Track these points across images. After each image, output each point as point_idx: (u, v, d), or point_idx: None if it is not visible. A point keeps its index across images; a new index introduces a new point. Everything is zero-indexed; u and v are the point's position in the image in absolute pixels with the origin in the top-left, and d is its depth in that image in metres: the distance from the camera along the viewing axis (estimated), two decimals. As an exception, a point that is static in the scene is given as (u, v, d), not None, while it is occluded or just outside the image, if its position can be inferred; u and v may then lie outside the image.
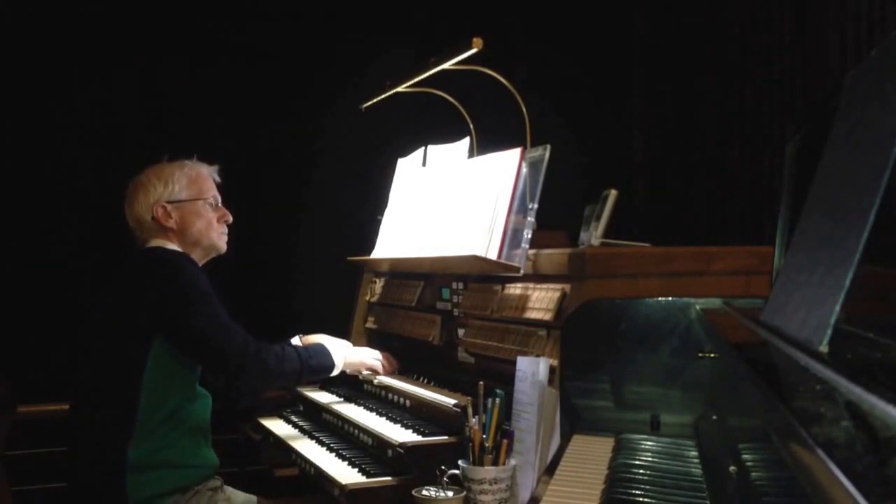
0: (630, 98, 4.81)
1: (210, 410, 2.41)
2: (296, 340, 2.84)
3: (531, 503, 1.49)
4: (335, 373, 2.63)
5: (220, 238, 2.53)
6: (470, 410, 1.95)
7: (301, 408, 3.03)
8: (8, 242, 3.73)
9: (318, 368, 2.57)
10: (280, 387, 2.96)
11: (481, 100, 2.95)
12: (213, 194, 2.53)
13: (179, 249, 2.43)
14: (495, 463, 1.88)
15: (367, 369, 2.78)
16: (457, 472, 1.89)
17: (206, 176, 2.54)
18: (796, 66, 3.78)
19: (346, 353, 2.69)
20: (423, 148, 3.07)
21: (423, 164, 3.05)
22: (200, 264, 2.47)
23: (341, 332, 3.09)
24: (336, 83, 4.09)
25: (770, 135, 3.92)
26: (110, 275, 2.47)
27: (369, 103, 3.28)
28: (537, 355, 2.05)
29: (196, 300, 2.28)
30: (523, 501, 1.89)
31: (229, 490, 2.44)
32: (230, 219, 2.56)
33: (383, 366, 2.81)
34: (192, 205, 2.47)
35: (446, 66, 2.66)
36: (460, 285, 2.65)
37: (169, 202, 2.44)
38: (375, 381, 2.74)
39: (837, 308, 0.88)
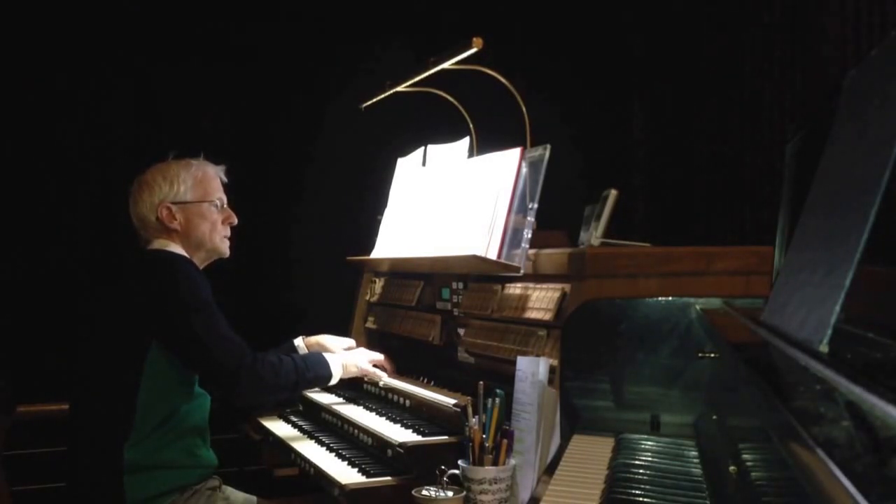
0: (630, 98, 4.81)
1: (209, 410, 2.40)
2: (298, 341, 2.83)
3: (531, 503, 1.49)
4: (333, 382, 2.59)
5: (222, 242, 2.51)
6: (470, 410, 1.94)
7: (301, 408, 3.03)
8: (8, 242, 3.73)
9: (314, 380, 2.53)
10: (277, 402, 2.93)
11: (481, 100, 2.95)
12: (219, 196, 2.50)
13: (182, 251, 2.41)
14: (495, 463, 1.88)
15: (368, 377, 2.75)
16: (457, 472, 1.89)
17: (213, 176, 2.50)
18: (796, 66, 3.78)
19: (344, 362, 2.63)
20: (423, 148, 3.07)
21: (423, 163, 3.05)
22: (202, 267, 2.46)
23: (341, 332, 3.09)
24: (336, 83, 4.09)
25: (770, 135, 3.92)
26: (111, 275, 2.47)
27: (369, 103, 3.28)
28: (537, 355, 2.05)
29: (195, 308, 2.25)
30: (523, 501, 1.89)
31: (228, 490, 2.43)
32: (235, 221, 2.53)
33: (384, 369, 2.78)
34: (197, 207, 2.44)
35: (446, 65, 2.66)
36: (460, 285, 2.65)
37: (174, 203, 2.41)
38: (381, 384, 2.72)
39: (837, 308, 0.88)
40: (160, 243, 2.42)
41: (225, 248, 2.52)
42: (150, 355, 2.23)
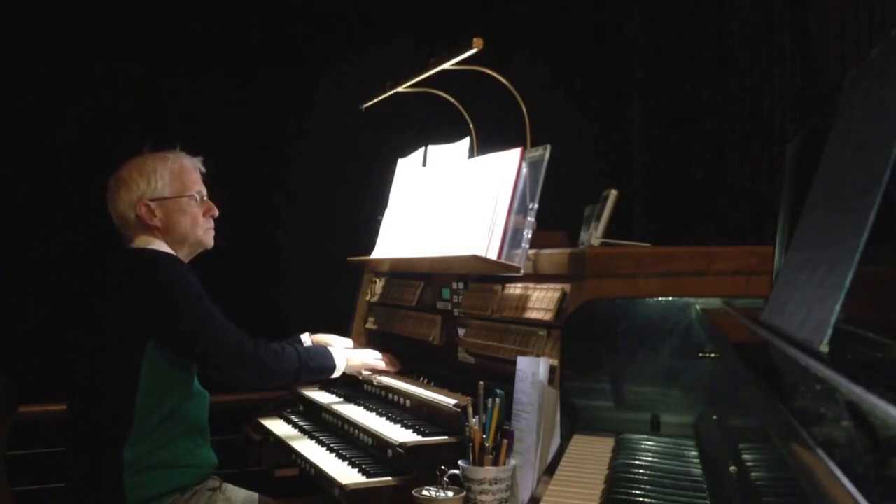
0: (630, 98, 4.81)
1: (208, 409, 2.40)
2: (305, 338, 2.83)
3: (531, 503, 1.49)
4: (336, 374, 2.61)
5: (206, 234, 2.47)
6: (470, 410, 1.94)
7: (301, 408, 3.03)
8: (7, 242, 3.73)
9: (317, 370, 2.55)
10: (279, 387, 2.95)
11: (481, 100, 2.95)
12: (198, 189, 2.45)
13: (166, 248, 2.38)
14: (495, 463, 1.88)
15: (369, 370, 2.77)
16: (457, 472, 1.89)
17: (191, 169, 2.46)
18: (796, 66, 3.78)
19: (348, 356, 2.66)
20: (423, 148, 3.07)
21: (423, 164, 3.05)
22: (187, 261, 2.44)
23: (341, 332, 3.10)
24: (336, 83, 4.09)
25: (770, 135, 3.92)
26: (102, 275, 2.45)
27: (369, 103, 3.28)
28: (537, 355, 2.05)
29: (187, 303, 2.25)
30: (523, 501, 1.89)
31: (229, 489, 2.43)
32: (216, 213, 2.49)
33: (386, 363, 2.80)
34: (175, 202, 2.40)
35: (446, 66, 2.66)
36: (460, 285, 2.65)
37: (152, 199, 2.37)
38: (375, 382, 2.74)
39: (837, 308, 0.88)
40: (143, 241, 2.39)
41: (208, 239, 2.49)
42: (147, 354, 2.23)
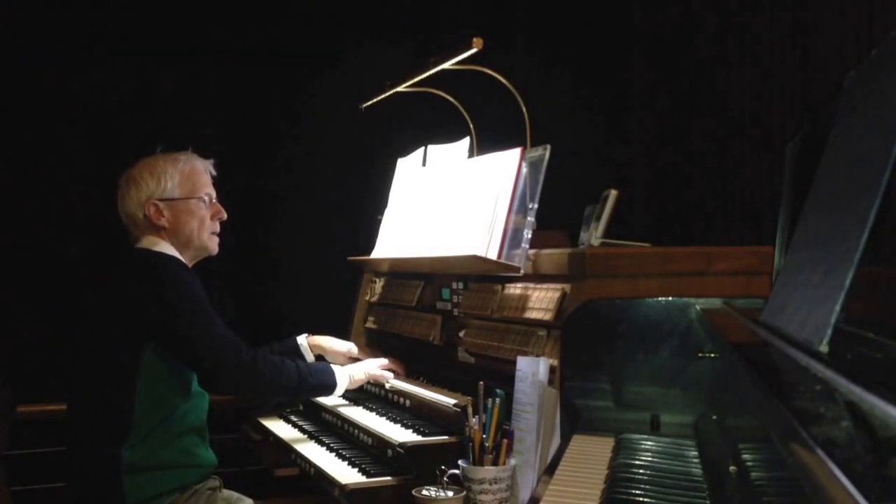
0: (630, 97, 4.81)
1: (207, 409, 2.40)
2: (302, 339, 2.82)
3: (531, 503, 1.49)
4: (338, 393, 2.57)
5: (210, 239, 2.47)
6: (470, 410, 1.95)
7: (301, 408, 3.03)
8: (7, 242, 3.73)
9: (317, 387, 2.51)
10: (280, 399, 2.92)
11: (481, 100, 2.95)
12: (207, 191, 2.46)
13: (172, 250, 2.39)
14: (495, 463, 1.88)
15: (375, 380, 2.71)
16: (457, 472, 1.89)
17: (201, 171, 2.46)
18: (796, 66, 3.78)
19: (351, 372, 2.60)
20: (423, 148, 3.07)
21: (423, 163, 3.05)
22: (191, 265, 2.45)
23: (341, 332, 3.10)
24: (336, 83, 4.09)
25: (770, 135, 3.92)
26: (104, 275, 2.45)
27: (369, 103, 3.28)
28: (537, 355, 2.05)
29: (189, 310, 2.24)
30: (523, 501, 1.89)
31: (227, 492, 2.42)
32: (224, 216, 2.49)
33: (393, 371, 2.74)
34: (184, 203, 2.40)
35: (446, 65, 2.66)
36: (460, 285, 2.65)
37: (161, 200, 2.38)
38: (388, 386, 2.71)
39: (837, 308, 0.88)
40: (148, 241, 2.39)
41: (213, 245, 2.49)
42: (147, 356, 2.23)
